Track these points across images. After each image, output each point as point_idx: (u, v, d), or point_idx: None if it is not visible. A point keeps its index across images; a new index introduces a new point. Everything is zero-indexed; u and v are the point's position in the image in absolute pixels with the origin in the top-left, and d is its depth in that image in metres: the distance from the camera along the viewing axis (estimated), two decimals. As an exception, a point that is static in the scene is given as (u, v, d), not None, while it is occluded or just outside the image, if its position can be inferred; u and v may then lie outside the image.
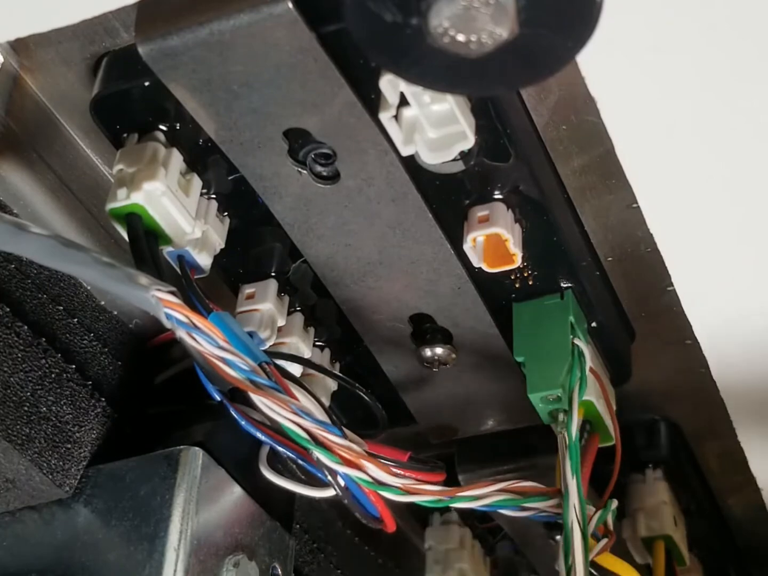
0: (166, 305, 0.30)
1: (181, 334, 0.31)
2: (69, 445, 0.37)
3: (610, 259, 0.39)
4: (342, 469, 0.32)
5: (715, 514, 0.52)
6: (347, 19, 0.26)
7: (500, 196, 0.36)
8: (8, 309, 0.36)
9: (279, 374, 0.33)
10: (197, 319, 0.31)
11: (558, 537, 0.50)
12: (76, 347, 0.39)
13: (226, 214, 0.38)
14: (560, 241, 0.38)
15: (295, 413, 0.32)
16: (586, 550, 0.34)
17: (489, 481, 0.35)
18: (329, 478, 0.33)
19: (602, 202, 0.37)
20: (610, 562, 0.38)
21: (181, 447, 0.36)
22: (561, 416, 0.37)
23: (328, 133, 0.33)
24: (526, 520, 0.37)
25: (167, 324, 0.31)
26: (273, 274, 0.39)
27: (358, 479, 0.32)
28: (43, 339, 0.37)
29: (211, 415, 0.37)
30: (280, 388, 0.32)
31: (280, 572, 0.39)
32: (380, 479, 0.33)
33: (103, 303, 0.41)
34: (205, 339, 0.31)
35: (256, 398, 0.31)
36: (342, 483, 0.33)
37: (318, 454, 0.32)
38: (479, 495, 0.34)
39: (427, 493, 0.33)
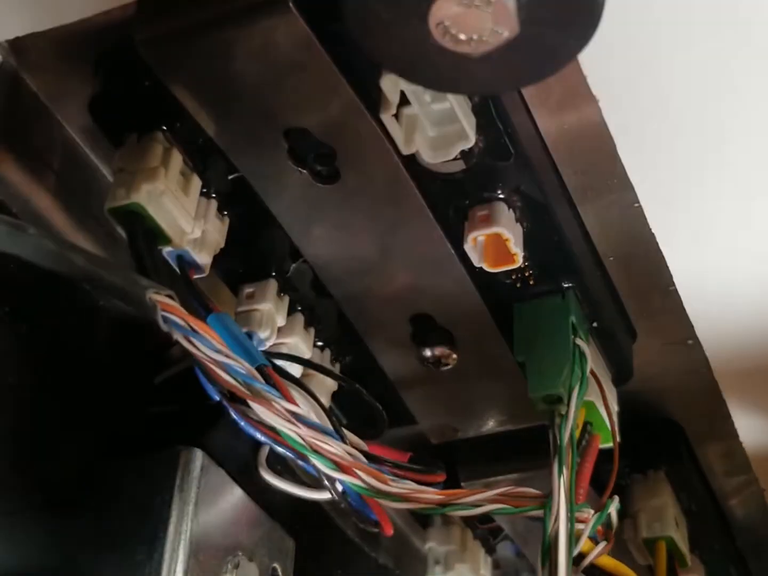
0: (163, 308, 0.30)
1: (178, 337, 0.31)
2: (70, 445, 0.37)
3: (611, 258, 0.39)
4: (338, 475, 0.32)
5: (716, 514, 0.52)
6: (347, 19, 0.26)
7: (501, 196, 0.36)
8: (7, 309, 0.36)
9: (277, 377, 0.32)
10: (194, 322, 0.31)
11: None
12: (75, 347, 0.38)
13: (226, 214, 0.38)
14: (561, 240, 0.38)
15: (291, 420, 0.31)
16: (569, 555, 0.34)
17: (483, 488, 0.35)
18: (327, 483, 0.33)
19: (604, 202, 0.37)
20: (610, 564, 0.38)
21: (181, 447, 0.36)
22: (563, 417, 0.37)
23: (328, 133, 0.33)
24: (527, 520, 0.36)
25: (164, 327, 0.31)
26: (273, 274, 0.39)
27: (354, 486, 0.32)
28: (44, 339, 0.37)
29: (211, 415, 0.37)
30: (278, 392, 0.32)
31: (280, 573, 0.39)
32: (376, 486, 0.33)
33: (102, 303, 0.41)
34: (201, 342, 0.31)
35: (252, 404, 0.31)
36: (339, 488, 0.33)
37: (314, 460, 0.32)
38: (473, 502, 0.34)
39: (422, 501, 0.33)
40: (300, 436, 0.31)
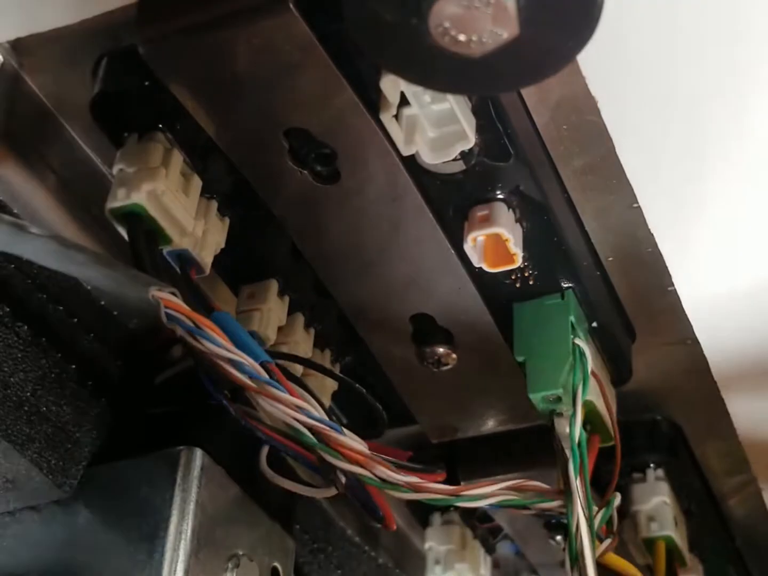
0: (166, 305, 0.30)
1: (182, 334, 0.31)
2: (69, 445, 0.37)
3: (610, 259, 0.39)
4: (346, 466, 0.32)
5: (715, 514, 0.52)
6: (347, 19, 0.26)
7: (501, 196, 0.36)
8: (8, 309, 0.36)
9: (280, 373, 0.32)
10: (198, 319, 0.31)
11: (558, 537, 0.50)
12: (76, 347, 0.38)
13: (226, 214, 0.38)
14: (561, 241, 0.38)
15: (299, 411, 0.32)
16: (593, 551, 0.34)
17: (493, 480, 0.35)
18: (332, 475, 0.33)
19: (603, 202, 0.37)
20: (614, 561, 0.38)
21: (181, 447, 0.36)
22: (563, 417, 0.37)
23: (328, 133, 0.33)
24: (526, 520, 0.37)
25: (168, 324, 0.31)
26: (273, 274, 0.39)
27: (364, 477, 0.32)
28: (44, 339, 0.37)
29: (211, 415, 0.37)
30: (283, 387, 0.32)
31: (280, 572, 0.39)
32: (385, 476, 0.33)
33: (103, 303, 0.41)
34: (206, 339, 0.31)
35: (259, 398, 0.31)
36: (344, 480, 0.33)
37: (322, 452, 0.32)
38: (484, 494, 0.34)
39: (433, 491, 0.33)
40: (307, 427, 0.31)
